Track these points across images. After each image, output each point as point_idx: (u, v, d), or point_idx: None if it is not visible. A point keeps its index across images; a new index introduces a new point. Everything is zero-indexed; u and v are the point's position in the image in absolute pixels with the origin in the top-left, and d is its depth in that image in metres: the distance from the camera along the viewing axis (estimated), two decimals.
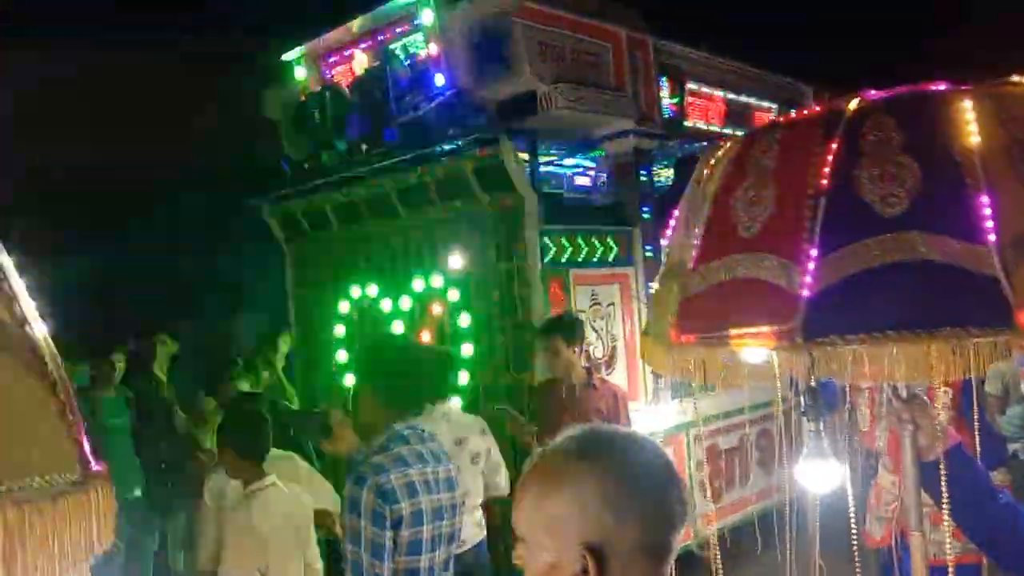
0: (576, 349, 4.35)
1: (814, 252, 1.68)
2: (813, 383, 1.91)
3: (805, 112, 2.08)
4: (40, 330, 1.02)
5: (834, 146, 1.80)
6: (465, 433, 3.85)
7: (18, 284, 1.02)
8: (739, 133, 2.47)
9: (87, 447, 0.99)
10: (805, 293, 1.65)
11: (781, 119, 2.15)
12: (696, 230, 2.06)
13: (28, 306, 1.02)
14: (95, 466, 0.99)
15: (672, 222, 2.38)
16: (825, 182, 1.75)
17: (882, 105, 1.83)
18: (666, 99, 6.17)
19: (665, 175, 6.98)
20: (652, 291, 2.46)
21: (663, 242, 2.38)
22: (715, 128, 6.66)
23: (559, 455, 1.24)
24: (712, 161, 2.16)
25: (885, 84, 1.95)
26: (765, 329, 1.70)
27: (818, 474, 1.88)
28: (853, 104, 1.90)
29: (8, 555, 0.86)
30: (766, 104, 7.16)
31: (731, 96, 6.85)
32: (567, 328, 4.41)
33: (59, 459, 0.95)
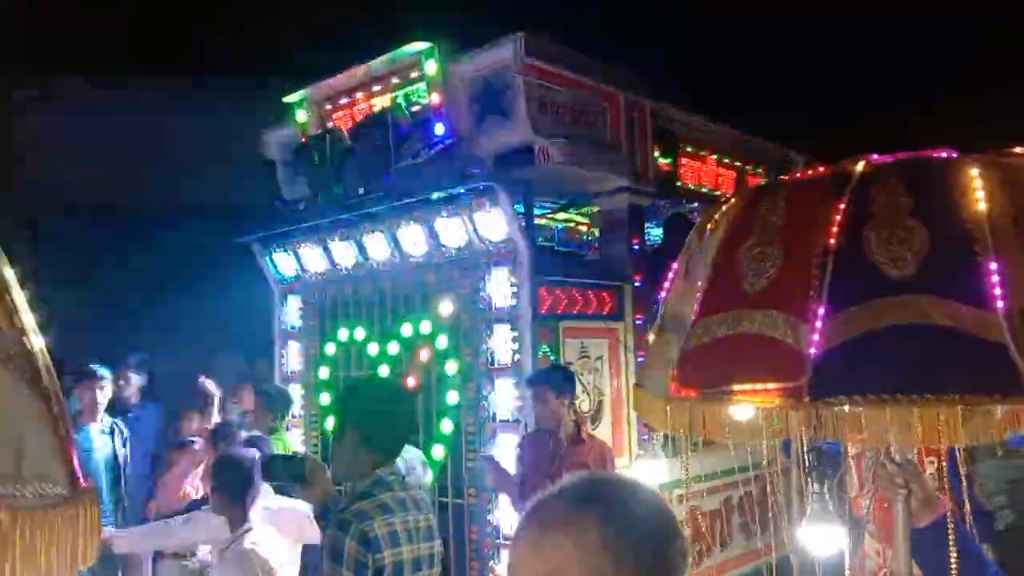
0: (566, 402, 4.31)
1: (822, 310, 1.68)
2: (820, 444, 1.89)
3: (811, 172, 2.11)
4: (38, 343, 0.99)
5: (842, 206, 1.81)
6: (414, 464, 3.88)
7: (20, 297, 1.00)
8: (728, 195, 2.50)
9: (76, 463, 0.95)
10: (813, 351, 1.64)
11: (787, 177, 2.17)
12: (698, 283, 2.05)
13: (28, 319, 0.99)
14: (83, 483, 0.95)
15: (670, 274, 2.38)
16: (833, 241, 1.76)
17: (891, 168, 1.85)
18: (660, 159, 6.26)
19: (655, 234, 7.05)
20: (648, 342, 2.44)
21: (660, 296, 2.38)
22: (706, 190, 6.76)
23: (559, 501, 1.20)
24: (716, 215, 2.17)
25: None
26: (771, 386, 1.69)
27: (822, 537, 1.84)
28: (860, 166, 1.92)
29: None
30: (758, 170, 7.29)
31: (724, 160, 6.97)
32: (558, 380, 4.38)
33: (49, 471, 0.91)
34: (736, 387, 1.77)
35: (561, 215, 6.88)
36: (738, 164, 7.13)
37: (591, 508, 1.16)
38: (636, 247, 5.89)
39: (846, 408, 1.57)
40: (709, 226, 2.16)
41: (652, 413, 2.09)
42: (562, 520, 1.16)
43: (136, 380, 6.35)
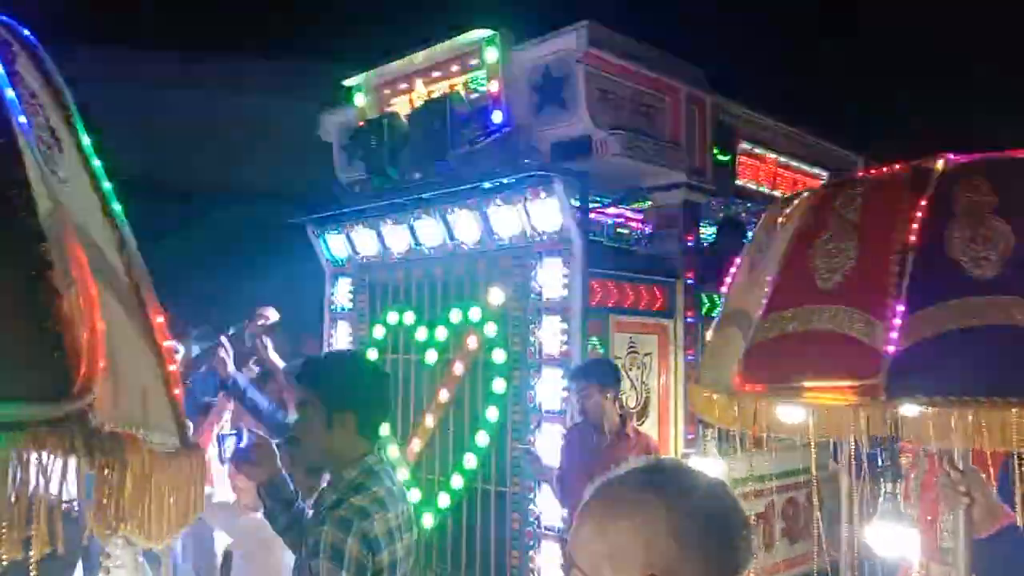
0: (611, 396, 4.30)
1: (900, 308, 1.65)
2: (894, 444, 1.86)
3: (888, 169, 2.06)
4: (152, 296, 1.03)
5: (923, 203, 1.77)
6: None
7: (138, 259, 1.04)
8: (786, 196, 2.43)
9: (186, 420, 0.99)
10: (890, 349, 1.61)
11: (864, 174, 2.13)
12: (766, 277, 2.02)
13: (146, 281, 1.03)
14: (192, 439, 0.99)
15: (733, 269, 2.34)
16: (914, 239, 1.72)
17: (976, 167, 1.80)
18: (718, 156, 6.18)
19: (708, 232, 6.96)
20: (709, 337, 2.41)
21: (723, 290, 2.35)
22: (764, 189, 6.64)
23: (624, 484, 1.20)
24: (787, 210, 2.14)
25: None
26: (845, 384, 1.66)
27: (891, 537, 1.81)
28: (942, 164, 1.88)
29: (131, 502, 0.85)
30: (816, 170, 7.14)
31: (782, 159, 6.85)
32: (604, 374, 4.36)
33: (165, 423, 0.95)
34: (807, 383, 1.75)
35: (612, 210, 6.84)
36: (796, 164, 6.99)
37: (658, 491, 1.15)
38: (690, 244, 5.83)
39: (923, 408, 1.54)
40: (780, 220, 2.13)
41: (712, 409, 2.07)
42: (627, 502, 1.16)
43: (182, 350, 6.47)
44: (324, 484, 2.50)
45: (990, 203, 1.72)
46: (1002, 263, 1.64)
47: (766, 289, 1.99)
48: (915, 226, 1.76)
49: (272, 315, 6.31)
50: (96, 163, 1.10)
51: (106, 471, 0.84)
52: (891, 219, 1.82)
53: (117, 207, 1.10)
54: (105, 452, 0.84)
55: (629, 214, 7.06)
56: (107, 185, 1.10)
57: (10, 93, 0.93)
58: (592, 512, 1.19)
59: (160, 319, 1.07)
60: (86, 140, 1.11)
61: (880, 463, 1.95)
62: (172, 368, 1.05)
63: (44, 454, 0.81)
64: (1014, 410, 1.50)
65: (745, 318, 2.04)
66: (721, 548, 1.13)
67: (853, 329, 1.72)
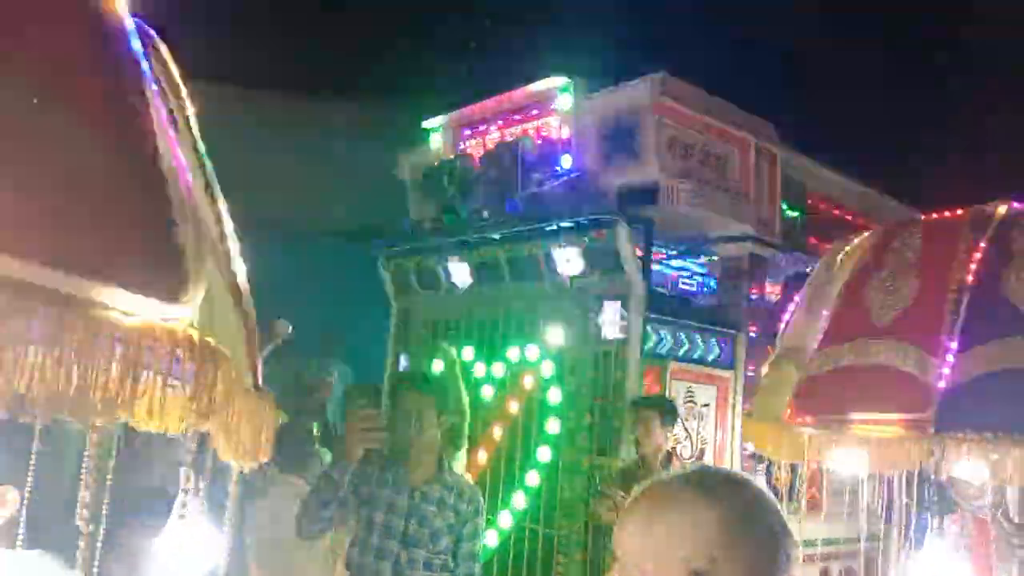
0: (668, 430, 4.30)
1: (954, 345, 1.65)
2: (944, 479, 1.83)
3: (947, 212, 2.07)
4: (241, 269, 1.16)
5: (983, 245, 1.79)
6: None
7: (229, 224, 1.18)
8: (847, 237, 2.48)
9: (260, 371, 1.10)
10: (942, 384, 1.62)
11: (923, 217, 2.14)
12: (823, 312, 2.05)
13: (235, 244, 1.16)
14: (264, 387, 1.09)
15: (790, 307, 2.36)
16: (971, 278, 1.73)
17: None
18: (787, 211, 6.16)
19: (774, 291, 6.89)
20: (763, 374, 2.42)
21: (780, 327, 2.36)
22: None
23: (674, 483, 1.23)
24: (847, 248, 2.16)
25: None
26: (894, 416, 1.66)
27: (939, 571, 1.78)
28: (1003, 208, 1.89)
29: (221, 398, 0.98)
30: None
31: (849, 216, 6.77)
32: (664, 407, 4.37)
33: (244, 368, 1.05)
34: (856, 415, 1.76)
35: (675, 263, 6.85)
36: (863, 220, 6.90)
37: (704, 492, 1.18)
38: (754, 297, 5.79)
39: (974, 444, 1.53)
40: (839, 259, 2.16)
41: (763, 440, 2.08)
42: (672, 499, 1.19)
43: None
44: None
45: None
46: None
47: (822, 324, 2.02)
48: (973, 266, 1.77)
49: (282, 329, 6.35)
50: (202, 145, 1.26)
51: (203, 376, 0.97)
52: (949, 258, 1.83)
53: (215, 184, 1.26)
54: (205, 355, 0.98)
55: (695, 268, 7.05)
56: (210, 166, 1.26)
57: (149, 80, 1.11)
58: (638, 508, 1.22)
59: (242, 274, 1.24)
60: (195, 125, 1.27)
61: (927, 505, 1.92)
62: (252, 323, 1.20)
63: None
64: None
65: (801, 353, 2.06)
66: (765, 552, 1.15)
67: (906, 364, 1.73)
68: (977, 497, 2.85)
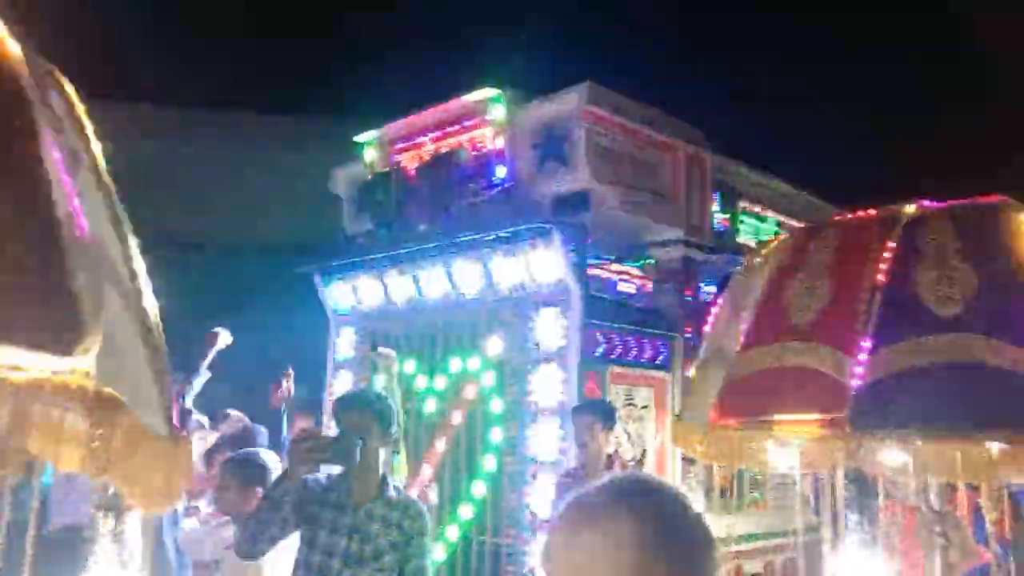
0: (608, 434, 4.33)
1: (867, 344, 1.70)
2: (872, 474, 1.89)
3: (861, 213, 2.14)
4: (153, 307, 1.12)
5: (892, 245, 1.85)
6: None
7: (140, 263, 1.13)
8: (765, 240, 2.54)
9: (174, 412, 1.06)
10: (856, 384, 1.66)
11: (837, 217, 2.21)
12: (744, 314, 2.09)
13: (145, 282, 1.12)
14: (179, 432, 1.06)
15: (715, 310, 2.41)
16: (882, 278, 1.79)
17: (941, 213, 1.88)
18: (718, 214, 6.29)
19: (708, 291, 7.02)
20: (689, 376, 2.46)
21: (705, 330, 2.41)
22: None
23: (597, 496, 1.23)
24: (765, 252, 2.22)
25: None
26: (813, 416, 1.71)
27: (862, 566, 1.83)
28: (911, 209, 1.96)
29: (118, 454, 0.93)
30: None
31: (781, 218, 6.96)
32: (605, 412, 4.40)
33: (154, 410, 1.02)
34: (778, 416, 1.79)
35: (613, 267, 6.92)
36: (796, 223, 7.09)
37: (627, 504, 1.19)
38: (689, 299, 5.89)
39: (889, 440, 1.58)
40: (757, 261, 2.20)
41: (690, 443, 2.11)
42: (598, 514, 1.19)
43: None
44: None
45: (954, 246, 1.79)
46: (965, 303, 1.70)
47: (743, 326, 2.06)
48: (884, 267, 1.83)
49: (225, 338, 6.21)
50: (109, 182, 1.22)
51: (99, 428, 0.94)
52: (862, 259, 1.89)
53: (125, 221, 1.24)
54: (101, 406, 0.95)
55: (633, 271, 7.14)
56: (119, 204, 1.22)
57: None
58: (562, 524, 1.22)
59: (159, 323, 1.20)
60: (102, 162, 1.24)
61: (849, 494, 1.98)
62: (163, 364, 1.16)
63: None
64: (976, 443, 1.54)
65: (724, 356, 2.10)
66: (686, 564, 1.16)
67: (824, 365, 1.77)
68: (905, 487, 2.95)
